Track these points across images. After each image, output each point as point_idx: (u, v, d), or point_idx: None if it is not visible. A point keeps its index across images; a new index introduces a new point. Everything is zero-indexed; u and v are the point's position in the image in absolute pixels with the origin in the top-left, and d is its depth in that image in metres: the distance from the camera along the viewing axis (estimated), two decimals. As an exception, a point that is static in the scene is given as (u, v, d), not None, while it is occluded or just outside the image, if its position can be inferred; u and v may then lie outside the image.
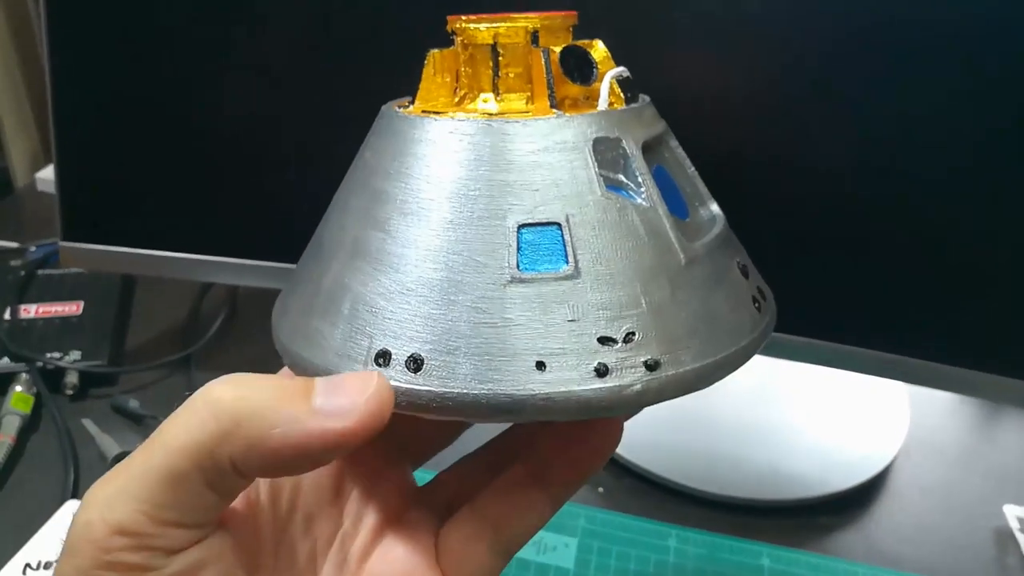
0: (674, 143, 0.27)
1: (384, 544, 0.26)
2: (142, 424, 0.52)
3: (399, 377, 0.21)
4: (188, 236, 0.49)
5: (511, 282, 0.21)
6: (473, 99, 0.26)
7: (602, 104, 0.24)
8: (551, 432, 0.26)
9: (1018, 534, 0.46)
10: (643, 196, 0.23)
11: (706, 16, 0.38)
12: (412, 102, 0.26)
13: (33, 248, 0.66)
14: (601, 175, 0.22)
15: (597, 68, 0.25)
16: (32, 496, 0.47)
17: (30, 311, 0.59)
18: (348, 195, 0.25)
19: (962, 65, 0.36)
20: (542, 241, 0.21)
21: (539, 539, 0.44)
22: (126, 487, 0.19)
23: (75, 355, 0.55)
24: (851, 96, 0.37)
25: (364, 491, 0.27)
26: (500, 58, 0.25)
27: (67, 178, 0.49)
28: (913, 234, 0.39)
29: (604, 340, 0.21)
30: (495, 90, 0.25)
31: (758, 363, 0.47)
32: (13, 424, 0.50)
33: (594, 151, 0.22)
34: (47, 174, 0.82)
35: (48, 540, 0.42)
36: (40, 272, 0.63)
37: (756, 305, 0.24)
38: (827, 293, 0.42)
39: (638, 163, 0.23)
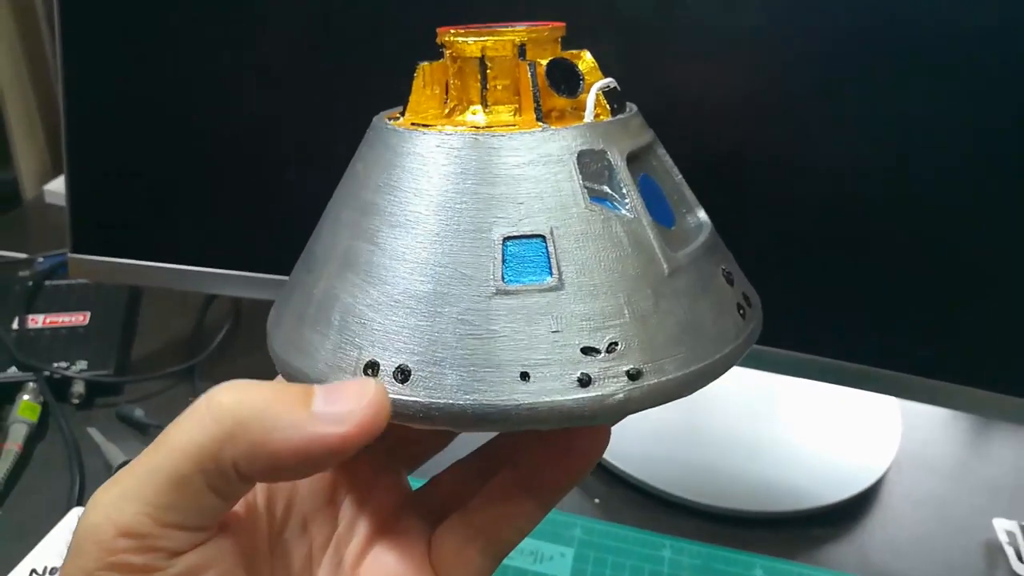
0: (661, 151, 0.27)
1: (378, 548, 0.26)
2: (147, 433, 0.52)
3: (387, 388, 0.21)
4: (194, 249, 0.50)
5: (496, 294, 0.21)
6: (462, 111, 0.26)
7: (588, 116, 0.24)
8: (539, 439, 0.26)
9: (1007, 547, 0.47)
10: (627, 207, 0.23)
11: (707, 16, 0.38)
12: (403, 113, 0.26)
13: (41, 259, 0.67)
14: (586, 187, 0.22)
15: (583, 80, 0.25)
16: (38, 503, 0.47)
17: (38, 321, 0.60)
18: (339, 207, 0.25)
19: (962, 66, 0.36)
20: (527, 253, 0.22)
21: (535, 549, 0.45)
22: (131, 490, 0.20)
23: (81, 365, 0.56)
24: (852, 96, 0.38)
25: (358, 495, 0.27)
26: (488, 71, 0.25)
27: (78, 192, 0.50)
28: (912, 235, 0.39)
29: (587, 350, 0.21)
30: (483, 102, 0.25)
31: (752, 377, 0.48)
32: (20, 432, 0.50)
33: (579, 163, 0.23)
34: (55, 186, 0.83)
35: (54, 546, 0.43)
36: (48, 283, 0.64)
37: (741, 312, 0.25)
38: (826, 293, 0.42)
39: (623, 174, 0.23)
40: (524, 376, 0.21)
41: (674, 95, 0.38)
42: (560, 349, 0.21)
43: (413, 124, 0.25)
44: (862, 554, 0.46)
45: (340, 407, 0.20)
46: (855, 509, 0.49)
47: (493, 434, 0.29)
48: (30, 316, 0.60)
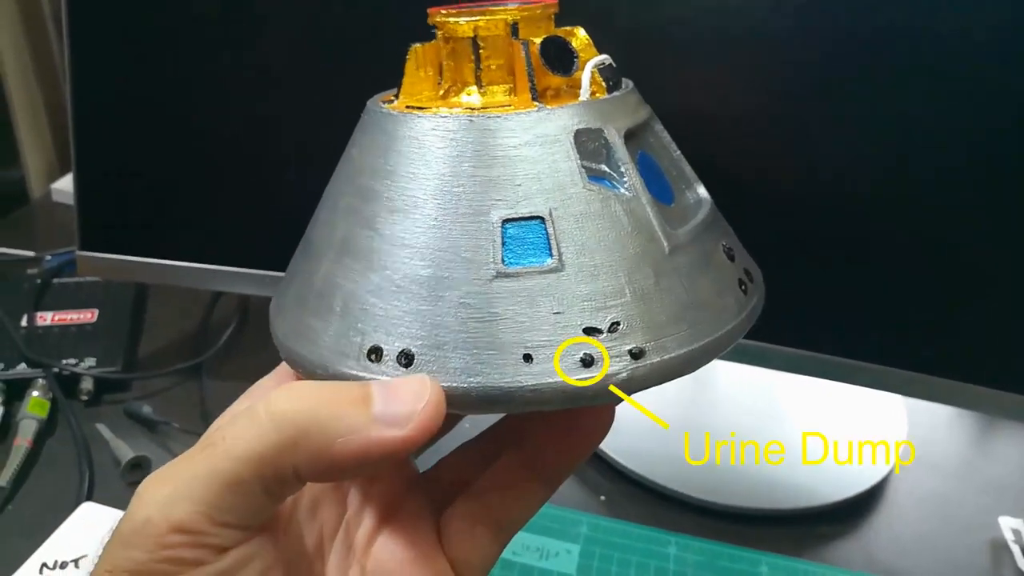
0: (659, 127, 0.26)
1: (388, 531, 0.26)
2: (155, 430, 0.52)
3: (391, 372, 0.21)
4: (201, 246, 0.50)
5: (497, 277, 0.21)
6: (457, 92, 0.26)
7: (583, 94, 0.24)
8: (543, 420, 0.26)
9: (1013, 546, 0.47)
10: (626, 186, 0.23)
11: (708, 17, 0.38)
12: (397, 96, 0.26)
13: (49, 257, 0.67)
14: (583, 166, 0.22)
15: (578, 57, 0.25)
16: (48, 498, 0.47)
17: (46, 319, 0.60)
18: (336, 193, 0.25)
19: (962, 66, 0.36)
20: (526, 235, 0.22)
21: (542, 545, 0.45)
22: (187, 489, 0.20)
23: (90, 362, 0.56)
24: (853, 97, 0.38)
25: (366, 479, 0.27)
26: (481, 51, 0.25)
27: (86, 190, 0.50)
28: (912, 235, 0.39)
29: (589, 331, 0.21)
30: (478, 83, 0.25)
31: (758, 374, 0.48)
32: (30, 428, 0.51)
33: (576, 143, 0.22)
34: (62, 185, 0.83)
35: (64, 541, 0.43)
36: (56, 281, 0.64)
37: (743, 288, 0.24)
38: (827, 293, 0.42)
39: (620, 152, 0.23)
40: (527, 358, 0.21)
41: (674, 95, 0.38)
42: (562, 330, 0.21)
43: (408, 107, 0.25)
44: (867, 552, 0.46)
45: (399, 408, 0.20)
46: (861, 507, 0.49)
47: (498, 416, 0.29)
48: (39, 313, 0.60)
